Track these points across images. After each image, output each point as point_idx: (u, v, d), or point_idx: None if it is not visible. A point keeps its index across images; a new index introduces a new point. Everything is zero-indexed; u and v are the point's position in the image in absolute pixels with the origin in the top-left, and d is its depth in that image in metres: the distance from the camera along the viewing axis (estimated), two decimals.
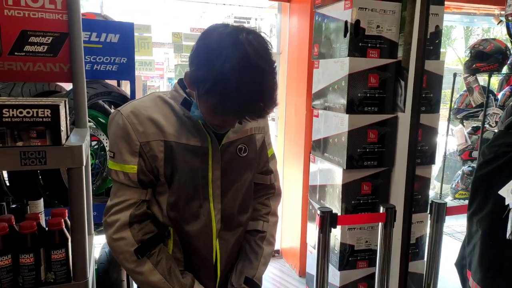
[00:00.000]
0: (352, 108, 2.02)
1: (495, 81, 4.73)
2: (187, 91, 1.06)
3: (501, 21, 3.88)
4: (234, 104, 0.90)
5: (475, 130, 3.65)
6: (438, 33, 2.10)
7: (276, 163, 1.34)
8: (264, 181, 1.30)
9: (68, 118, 1.30)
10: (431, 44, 2.09)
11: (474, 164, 3.48)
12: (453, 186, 3.71)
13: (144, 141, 1.04)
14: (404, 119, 2.02)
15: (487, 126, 3.33)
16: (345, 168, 2.04)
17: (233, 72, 0.87)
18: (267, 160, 1.29)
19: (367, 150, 2.06)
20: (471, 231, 1.24)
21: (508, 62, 3.28)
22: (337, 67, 2.07)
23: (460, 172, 3.69)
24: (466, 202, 3.59)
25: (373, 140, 2.06)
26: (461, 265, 1.39)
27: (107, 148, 1.98)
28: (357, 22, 1.98)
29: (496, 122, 3.29)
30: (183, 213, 1.11)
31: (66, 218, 1.25)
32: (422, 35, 1.76)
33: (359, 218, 2.04)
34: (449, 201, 3.77)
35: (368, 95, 2.03)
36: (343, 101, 2.02)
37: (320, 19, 2.29)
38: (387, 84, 2.05)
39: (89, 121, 2.01)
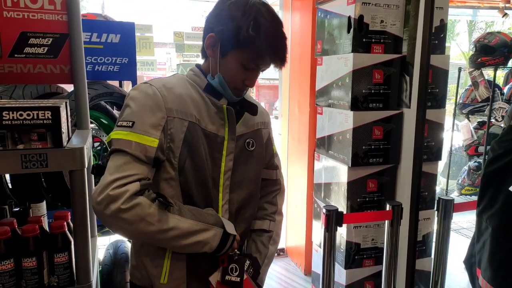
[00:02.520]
0: (356, 104, 1.99)
1: (500, 75, 4.67)
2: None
3: (506, 14, 3.83)
4: (268, 47, 1.01)
5: (481, 125, 3.61)
6: (443, 27, 2.07)
7: (280, 161, 1.35)
8: (270, 176, 1.30)
9: (70, 120, 1.29)
10: (436, 39, 2.06)
11: (480, 160, 3.44)
12: (459, 181, 3.67)
13: (171, 117, 1.00)
14: (409, 115, 1.99)
15: (493, 120, 3.29)
16: (350, 165, 2.02)
17: (265, 19, 1.02)
18: (272, 155, 1.30)
19: (372, 147, 2.03)
20: (480, 228, 1.21)
21: None
22: (340, 64, 2.05)
23: (466, 167, 3.65)
24: (473, 198, 3.57)
25: (378, 137, 2.04)
26: (470, 263, 1.36)
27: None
28: (361, 17, 1.95)
29: (503, 117, 3.25)
30: (193, 199, 1.07)
31: (69, 220, 1.23)
32: (427, 30, 1.73)
33: (365, 216, 2.02)
34: (456, 197, 3.74)
35: (372, 91, 2.00)
36: (347, 97, 2.00)
37: (323, 15, 2.26)
38: (392, 79, 2.03)
39: (91, 122, 2.00)
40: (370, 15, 1.96)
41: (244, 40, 1.00)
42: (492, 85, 3.15)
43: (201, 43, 1.12)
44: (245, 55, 1.03)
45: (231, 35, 1.01)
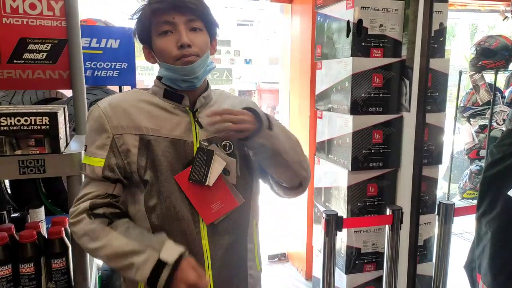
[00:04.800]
0: (356, 108, 1.99)
1: (501, 78, 4.66)
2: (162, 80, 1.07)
3: (506, 17, 3.83)
4: (151, 2, 1.01)
5: (482, 128, 3.59)
6: (442, 30, 2.06)
7: None
8: None
9: (68, 125, 1.29)
10: (435, 42, 2.06)
11: (482, 163, 3.43)
12: (461, 185, 3.65)
13: (117, 134, 1.00)
14: (409, 119, 1.99)
15: (494, 124, 3.28)
16: (350, 169, 2.01)
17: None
18: None
19: (372, 151, 2.03)
20: (480, 233, 1.21)
21: None
22: (340, 68, 2.05)
23: (467, 171, 3.64)
24: (475, 201, 3.54)
25: (378, 140, 2.03)
26: (471, 268, 1.36)
27: None
28: (360, 21, 1.95)
29: (504, 120, 3.24)
30: (163, 216, 1.02)
31: (67, 226, 1.23)
32: (427, 33, 1.73)
33: (365, 220, 2.01)
34: (457, 200, 3.72)
35: (372, 95, 2.00)
36: (347, 101, 1.99)
37: (322, 19, 2.27)
38: (391, 83, 2.02)
39: None
40: (369, 19, 1.96)
41: (142, 18, 1.03)
42: (493, 88, 3.15)
43: None
44: (154, 27, 1.02)
45: (138, 27, 1.06)
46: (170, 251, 0.94)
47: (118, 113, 1.01)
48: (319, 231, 2.42)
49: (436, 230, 2.13)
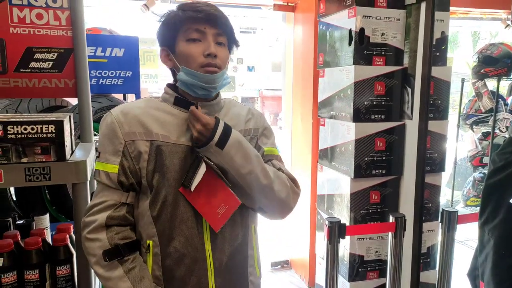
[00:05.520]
0: (358, 116, 2.00)
1: (504, 85, 4.66)
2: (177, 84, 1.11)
3: (508, 25, 3.84)
4: (187, 9, 1.06)
5: (485, 135, 3.59)
6: (444, 39, 2.08)
7: (284, 165, 1.24)
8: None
9: (73, 133, 1.31)
10: (437, 50, 2.07)
11: (485, 170, 3.42)
12: (464, 193, 3.64)
13: (129, 140, 1.04)
14: (412, 127, 2.00)
15: (497, 131, 3.28)
16: (353, 177, 2.01)
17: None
18: (267, 156, 1.19)
19: (375, 158, 2.04)
20: (483, 241, 1.20)
21: None
22: (342, 76, 2.06)
23: (471, 178, 3.63)
24: (478, 209, 3.52)
25: (381, 148, 2.04)
26: (474, 276, 1.35)
27: None
28: (362, 30, 1.97)
29: (507, 127, 3.24)
30: (169, 222, 1.04)
31: (72, 233, 1.24)
32: (428, 42, 1.75)
33: (368, 228, 2.01)
34: (461, 208, 3.70)
35: (374, 103, 2.01)
36: (349, 109, 2.01)
37: (324, 28, 2.29)
38: (393, 91, 2.03)
39: (95, 135, 2.02)
40: (371, 28, 1.98)
41: (171, 21, 1.07)
42: (495, 95, 3.15)
43: None
44: (182, 32, 1.06)
45: (163, 29, 1.09)
46: None
47: (130, 119, 1.05)
48: (322, 238, 2.42)
49: (439, 238, 2.13)
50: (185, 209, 1.05)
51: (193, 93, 1.08)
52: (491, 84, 3.52)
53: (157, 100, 1.12)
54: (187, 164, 1.05)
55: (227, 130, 1.05)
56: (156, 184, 1.04)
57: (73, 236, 1.24)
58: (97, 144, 1.09)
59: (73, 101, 1.90)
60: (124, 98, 2.21)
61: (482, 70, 3.19)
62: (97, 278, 1.33)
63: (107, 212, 1.03)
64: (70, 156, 1.15)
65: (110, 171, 1.04)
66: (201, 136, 1.03)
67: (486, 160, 3.34)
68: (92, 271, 1.16)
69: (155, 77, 3.21)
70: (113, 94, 1.98)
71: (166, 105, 1.10)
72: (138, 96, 1.94)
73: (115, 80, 1.88)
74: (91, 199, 1.10)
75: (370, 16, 1.97)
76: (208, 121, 1.03)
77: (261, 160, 1.12)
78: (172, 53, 1.08)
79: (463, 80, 3.34)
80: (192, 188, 1.03)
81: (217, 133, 1.03)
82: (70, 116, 1.25)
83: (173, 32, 1.07)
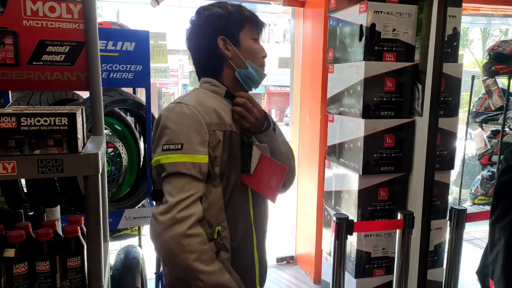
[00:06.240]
0: (368, 112, 1.99)
1: None
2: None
3: None
4: (248, 13, 1.19)
5: (494, 134, 3.56)
6: (455, 35, 2.06)
7: None
8: None
9: (85, 126, 1.32)
10: (448, 47, 2.05)
11: (494, 169, 3.39)
12: (472, 191, 3.62)
13: (211, 131, 1.08)
14: (421, 124, 1.98)
15: (507, 129, 3.25)
16: (361, 173, 2.01)
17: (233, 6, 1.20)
18: None
19: (384, 155, 2.02)
20: (493, 239, 1.20)
21: None
22: (352, 72, 2.05)
23: (479, 176, 3.60)
24: (486, 207, 3.51)
25: (390, 145, 2.03)
26: (483, 274, 1.34)
27: (123, 155, 1.99)
28: (373, 25, 1.96)
29: None
30: (235, 206, 1.13)
31: (82, 225, 1.25)
32: (440, 38, 1.73)
33: (376, 225, 2.00)
34: (468, 206, 3.68)
35: (384, 99, 2.00)
36: (359, 105, 2.00)
37: (335, 23, 2.27)
38: (404, 88, 2.02)
39: (106, 128, 2.03)
40: (382, 24, 1.96)
41: (239, 17, 1.17)
42: (506, 93, 3.11)
43: None
44: (248, 29, 1.18)
45: (232, 23, 1.16)
46: None
47: (207, 110, 1.10)
48: (329, 234, 2.42)
49: (447, 236, 2.12)
50: (244, 192, 1.17)
51: (246, 86, 1.21)
52: (501, 81, 3.48)
53: (209, 92, 1.19)
54: (239, 150, 1.14)
55: (271, 117, 1.24)
56: (228, 172, 1.11)
57: (84, 228, 1.25)
58: (169, 136, 1.05)
59: (84, 94, 1.91)
60: (134, 92, 2.22)
61: (493, 68, 3.16)
62: (106, 270, 1.35)
63: (200, 205, 1.02)
64: (82, 148, 1.16)
65: (201, 162, 1.03)
66: (258, 123, 1.16)
67: (495, 158, 3.31)
68: (102, 262, 1.17)
69: (165, 71, 3.21)
70: (123, 88, 1.99)
71: (218, 97, 1.18)
72: (148, 90, 1.94)
73: (125, 74, 1.88)
74: (103, 192, 1.10)
75: (381, 12, 1.95)
76: (261, 110, 1.18)
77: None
78: (235, 45, 1.16)
79: (473, 78, 3.30)
80: (252, 171, 1.14)
81: (271, 120, 1.22)
82: (82, 109, 1.25)
83: (238, 27, 1.17)
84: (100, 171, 1.12)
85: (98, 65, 1.44)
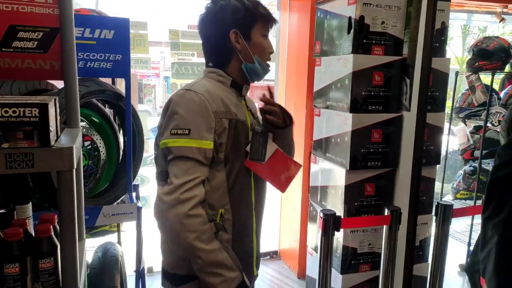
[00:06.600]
0: (356, 107, 1.95)
1: (498, 79, 4.66)
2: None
3: (503, 19, 3.83)
4: (261, 9, 1.22)
5: (477, 129, 3.59)
6: (444, 29, 2.04)
7: None
8: None
9: (59, 118, 1.23)
10: (436, 41, 2.03)
11: (476, 164, 3.43)
12: (454, 185, 3.65)
13: (217, 118, 1.12)
14: (409, 118, 1.96)
15: (489, 125, 3.28)
16: (348, 168, 1.98)
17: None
18: None
19: (371, 150, 2.00)
20: (485, 236, 1.18)
21: (511, 60, 3.22)
22: (340, 65, 2.01)
23: (461, 171, 3.64)
24: (468, 202, 3.55)
25: (377, 140, 2.00)
26: (472, 271, 1.33)
27: (100, 149, 1.90)
28: (361, 18, 1.91)
29: (499, 121, 3.24)
30: (239, 190, 1.19)
31: (56, 223, 1.17)
32: (429, 32, 1.70)
33: (363, 220, 1.98)
34: (450, 201, 3.71)
35: (372, 93, 1.96)
36: (347, 99, 1.96)
37: (322, 15, 2.22)
38: (392, 82, 1.99)
39: (82, 121, 1.93)
40: (371, 16, 1.92)
41: (253, 13, 1.20)
42: (489, 89, 3.14)
43: (198, 41, 1.28)
44: (260, 25, 1.21)
45: (246, 18, 1.19)
46: (246, 277, 1.17)
47: (214, 98, 1.14)
48: (314, 230, 2.39)
49: (432, 231, 2.11)
50: (249, 178, 1.23)
51: (250, 79, 1.25)
52: (486, 78, 3.51)
53: (215, 81, 1.22)
54: (246, 139, 1.21)
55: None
56: (232, 158, 1.16)
57: (57, 227, 1.17)
58: (178, 121, 1.10)
59: (60, 84, 1.80)
60: (113, 83, 2.13)
61: (476, 64, 3.17)
62: (82, 270, 1.27)
63: (202, 188, 1.08)
64: (55, 142, 1.08)
65: (206, 147, 1.09)
66: (280, 119, 1.28)
67: (477, 153, 3.33)
68: (78, 262, 1.10)
69: (146, 62, 3.11)
70: (101, 78, 1.90)
71: (224, 86, 1.22)
72: (128, 81, 1.85)
73: (103, 64, 1.79)
74: (79, 188, 1.03)
75: (370, 4, 1.91)
76: (282, 108, 1.31)
77: None
78: (245, 39, 1.20)
79: (457, 73, 3.32)
80: (265, 160, 1.22)
81: (290, 115, 1.32)
82: (55, 100, 1.17)
83: (251, 23, 1.20)
84: (75, 166, 1.04)
85: (73, 53, 1.36)
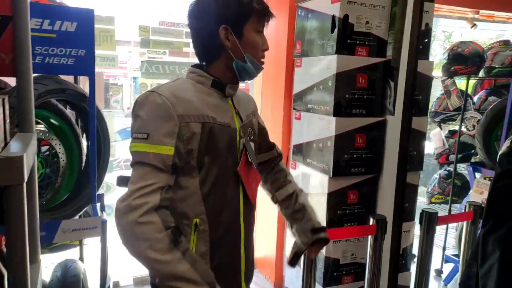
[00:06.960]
0: (339, 110, 1.86)
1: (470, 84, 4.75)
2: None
3: (474, 24, 3.88)
4: (257, 2, 1.11)
5: (452, 133, 3.61)
6: (428, 31, 1.98)
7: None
8: (272, 155, 1.39)
9: (8, 121, 1.06)
10: (420, 43, 1.97)
11: (451, 168, 3.44)
12: (429, 190, 3.65)
13: (183, 122, 1.03)
14: (393, 123, 1.89)
15: (464, 129, 3.30)
16: (331, 175, 1.88)
17: None
18: (267, 134, 1.38)
19: (355, 156, 1.91)
20: (486, 251, 1.10)
21: (484, 65, 3.25)
22: (322, 66, 1.91)
23: (436, 176, 3.64)
24: (443, 206, 3.55)
25: (361, 145, 1.91)
26: (467, 285, 1.25)
27: (60, 155, 1.71)
28: (346, 17, 1.82)
29: (474, 126, 3.26)
30: (218, 198, 1.11)
31: (3, 247, 0.99)
32: (416, 33, 1.63)
33: (348, 231, 1.88)
34: (425, 205, 3.72)
35: (356, 96, 1.88)
36: (330, 102, 1.86)
37: (304, 13, 2.12)
38: (376, 84, 1.91)
39: (39, 123, 1.74)
40: (355, 15, 1.84)
41: (247, 7, 1.09)
42: (464, 94, 3.15)
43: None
44: (254, 21, 1.11)
45: (239, 14, 1.09)
46: None
47: (181, 101, 1.05)
48: (293, 239, 2.27)
49: (415, 239, 2.05)
50: (234, 186, 1.14)
51: (240, 78, 1.15)
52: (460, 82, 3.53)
53: (193, 82, 1.14)
54: (232, 144, 1.13)
55: None
56: (207, 164, 1.07)
57: (4, 250, 0.99)
58: (139, 124, 1.04)
59: (12, 82, 1.61)
60: (76, 81, 1.94)
61: (452, 68, 3.18)
62: None
63: (158, 195, 1.00)
64: (2, 150, 0.91)
65: (165, 153, 1.01)
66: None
67: (452, 157, 3.35)
68: None
69: (113, 60, 2.91)
70: (62, 76, 1.71)
71: (203, 87, 1.13)
72: (92, 80, 1.68)
73: (64, 59, 1.61)
74: (33, 203, 0.86)
75: (355, 2, 1.83)
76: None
77: None
78: (236, 35, 1.10)
79: (432, 78, 3.31)
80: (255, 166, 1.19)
81: None
82: (4, 99, 1.00)
83: (244, 19, 1.10)
84: (26, 179, 0.88)
85: (28, 46, 1.19)
